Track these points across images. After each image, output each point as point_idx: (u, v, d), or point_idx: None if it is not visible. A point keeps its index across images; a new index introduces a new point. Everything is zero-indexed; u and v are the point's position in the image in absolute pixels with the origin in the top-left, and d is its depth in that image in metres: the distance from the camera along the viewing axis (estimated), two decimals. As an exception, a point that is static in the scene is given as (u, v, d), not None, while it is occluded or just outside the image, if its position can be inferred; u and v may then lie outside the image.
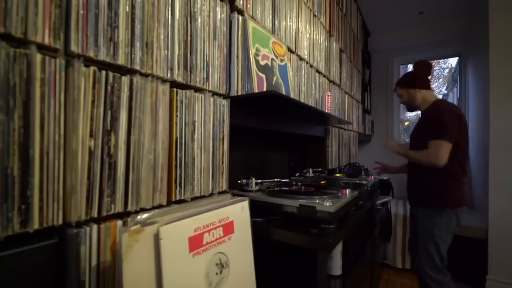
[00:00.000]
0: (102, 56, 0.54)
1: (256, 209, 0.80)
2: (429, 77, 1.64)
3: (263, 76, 1.05)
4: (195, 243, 0.53)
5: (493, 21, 2.00)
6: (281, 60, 1.20)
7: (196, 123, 0.74)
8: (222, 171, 0.84)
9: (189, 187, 0.72)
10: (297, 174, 1.46)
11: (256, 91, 0.98)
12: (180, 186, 0.70)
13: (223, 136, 0.84)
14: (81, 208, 0.50)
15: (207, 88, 0.80)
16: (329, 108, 1.66)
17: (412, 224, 1.68)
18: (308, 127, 1.54)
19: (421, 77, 1.60)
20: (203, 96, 0.76)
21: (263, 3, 1.10)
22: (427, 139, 1.42)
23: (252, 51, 0.99)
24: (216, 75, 0.83)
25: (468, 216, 2.32)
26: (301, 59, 1.45)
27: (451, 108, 1.45)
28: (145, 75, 0.62)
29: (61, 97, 0.48)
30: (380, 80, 3.53)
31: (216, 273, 0.57)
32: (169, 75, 0.68)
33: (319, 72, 1.70)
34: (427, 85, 1.59)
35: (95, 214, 0.52)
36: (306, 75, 1.50)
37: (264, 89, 1.04)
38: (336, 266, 1.00)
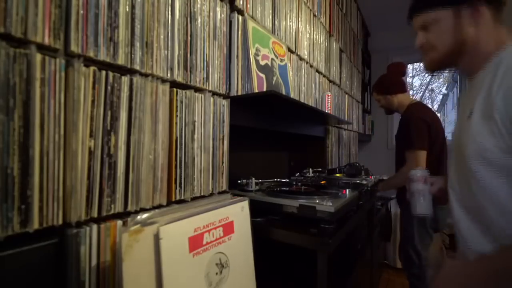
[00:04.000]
0: (102, 56, 0.54)
1: (256, 209, 0.80)
2: (404, 77, 1.70)
3: (263, 76, 1.05)
4: (195, 243, 0.53)
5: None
6: (281, 60, 1.20)
7: (196, 123, 0.74)
8: (222, 171, 0.84)
9: (189, 187, 0.72)
10: (297, 174, 1.46)
11: (256, 91, 0.98)
12: (180, 186, 0.69)
13: (223, 136, 0.84)
14: (81, 208, 0.50)
15: (207, 88, 0.80)
16: (329, 108, 1.66)
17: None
18: (308, 127, 1.54)
19: (395, 81, 1.64)
20: (203, 96, 0.76)
21: (263, 3, 1.10)
22: (405, 146, 1.47)
23: (252, 51, 0.99)
24: (216, 75, 0.83)
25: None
26: (301, 59, 1.45)
27: (420, 114, 1.47)
28: (145, 75, 0.62)
29: (61, 97, 0.48)
30: (380, 80, 3.53)
31: (216, 273, 0.57)
32: (169, 75, 0.68)
33: (319, 72, 1.70)
34: (402, 89, 1.63)
35: (95, 214, 0.52)
36: (306, 75, 1.50)
37: (264, 89, 1.04)
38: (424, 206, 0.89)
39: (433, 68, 0.70)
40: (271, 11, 1.16)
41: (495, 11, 0.60)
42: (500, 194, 0.55)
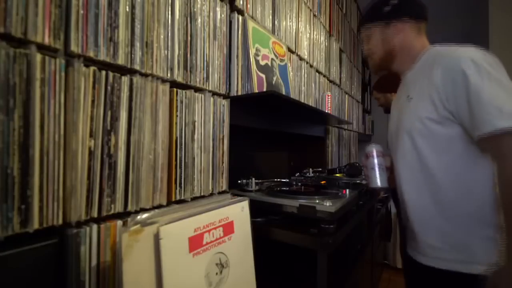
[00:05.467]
0: (102, 56, 0.54)
1: (256, 209, 0.80)
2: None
3: (263, 76, 1.05)
4: (195, 243, 0.53)
5: (493, 21, 2.00)
6: (281, 60, 1.20)
7: (196, 123, 0.74)
8: (222, 171, 0.84)
9: (189, 187, 0.72)
10: (297, 174, 1.45)
11: (256, 91, 0.98)
12: (180, 186, 0.69)
13: (223, 136, 0.84)
14: (81, 208, 0.50)
15: (207, 88, 0.80)
16: (329, 108, 1.66)
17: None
18: (308, 127, 1.54)
19: (395, 80, 1.66)
20: (203, 96, 0.76)
21: (263, 3, 1.10)
22: None
23: (252, 51, 0.99)
24: (216, 75, 0.83)
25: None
26: (301, 59, 1.45)
27: None
28: (145, 75, 0.62)
29: (61, 97, 0.48)
30: (380, 80, 3.52)
31: (216, 273, 0.57)
32: (169, 75, 0.68)
33: (319, 72, 1.70)
34: None
35: (95, 214, 0.52)
36: (306, 75, 1.50)
37: (264, 89, 1.04)
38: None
39: (376, 70, 0.89)
40: (271, 11, 1.16)
41: (415, 24, 0.78)
42: (427, 157, 0.69)
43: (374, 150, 0.87)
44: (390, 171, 0.86)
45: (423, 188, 0.70)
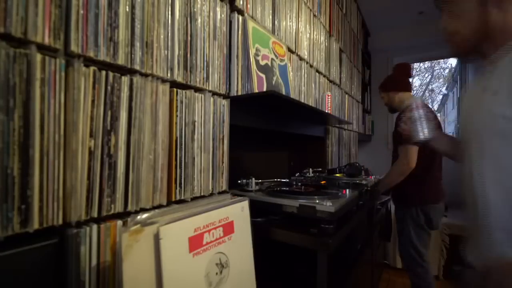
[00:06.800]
0: (102, 56, 0.54)
1: (256, 209, 0.80)
2: (410, 79, 1.72)
3: (263, 76, 1.05)
4: (195, 243, 0.53)
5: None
6: (281, 60, 1.20)
7: (196, 123, 0.74)
8: (222, 171, 0.84)
9: (189, 187, 0.72)
10: (297, 174, 1.45)
11: (256, 91, 0.98)
12: (180, 186, 0.69)
13: (223, 136, 0.84)
14: (81, 208, 0.50)
15: (207, 88, 0.80)
16: (329, 108, 1.66)
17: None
18: (308, 127, 1.54)
19: (400, 80, 1.67)
20: (203, 96, 0.76)
21: (263, 3, 1.10)
22: (399, 142, 1.48)
23: (252, 51, 0.99)
24: (216, 75, 0.83)
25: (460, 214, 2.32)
26: (301, 59, 1.45)
27: None
28: (145, 75, 0.62)
29: (61, 97, 0.48)
30: (380, 80, 3.52)
31: (216, 273, 0.57)
32: (169, 75, 0.68)
33: (319, 72, 1.70)
34: (405, 88, 1.65)
35: (95, 214, 0.52)
36: (306, 75, 1.50)
37: (264, 89, 1.04)
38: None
39: (457, 54, 0.67)
40: (271, 11, 1.16)
41: None
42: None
43: (419, 102, 0.82)
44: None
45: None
